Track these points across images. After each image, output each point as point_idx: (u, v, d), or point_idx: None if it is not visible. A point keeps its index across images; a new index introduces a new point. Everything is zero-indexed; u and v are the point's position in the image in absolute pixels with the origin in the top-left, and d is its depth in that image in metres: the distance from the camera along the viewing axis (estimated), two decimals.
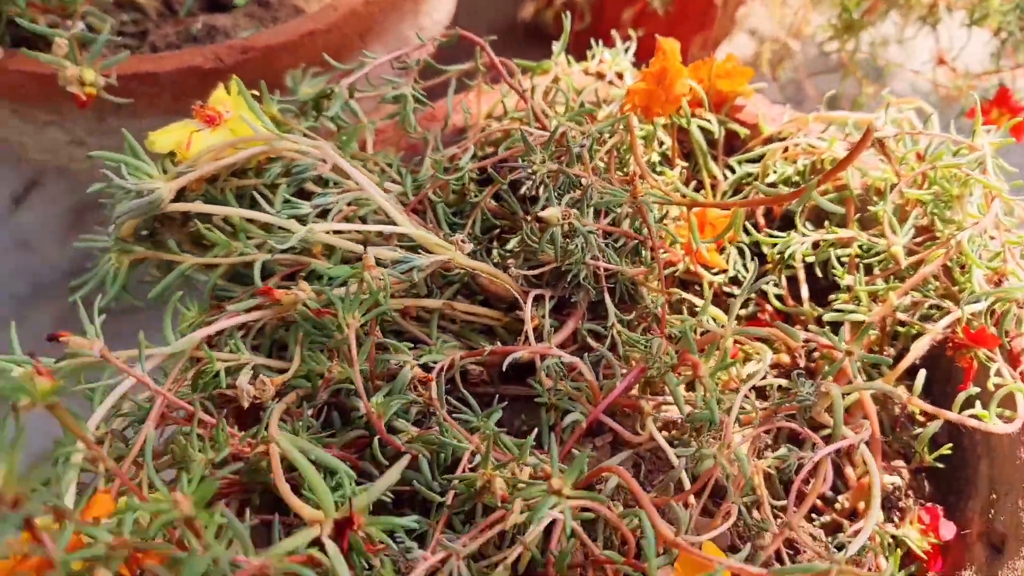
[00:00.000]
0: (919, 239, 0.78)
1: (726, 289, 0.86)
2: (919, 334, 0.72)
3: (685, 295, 0.79)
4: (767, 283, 0.84)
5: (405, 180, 0.76)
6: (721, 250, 0.83)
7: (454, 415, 0.65)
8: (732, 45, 1.58)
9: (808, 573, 0.55)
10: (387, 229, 0.65)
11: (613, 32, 0.91)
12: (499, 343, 0.77)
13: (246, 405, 0.58)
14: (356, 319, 0.57)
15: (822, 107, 0.86)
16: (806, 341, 0.69)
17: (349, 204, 0.69)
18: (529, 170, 0.71)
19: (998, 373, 0.70)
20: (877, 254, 0.75)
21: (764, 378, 0.75)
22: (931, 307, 0.73)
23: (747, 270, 0.84)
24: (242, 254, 0.67)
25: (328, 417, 0.64)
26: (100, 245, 0.74)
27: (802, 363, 0.78)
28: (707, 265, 0.82)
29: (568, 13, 0.84)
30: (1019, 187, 0.79)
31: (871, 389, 0.65)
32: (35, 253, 1.54)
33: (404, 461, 0.48)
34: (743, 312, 0.87)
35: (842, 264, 0.77)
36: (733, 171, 0.88)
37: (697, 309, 0.78)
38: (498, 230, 0.82)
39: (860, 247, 0.75)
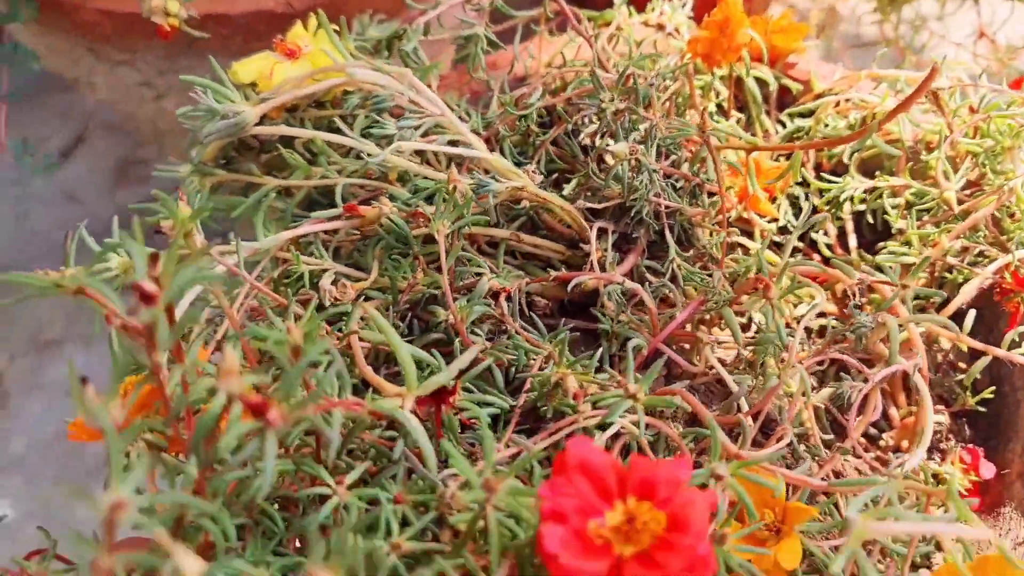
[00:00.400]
0: (969, 191, 0.81)
1: (776, 239, 0.88)
2: (967, 279, 0.75)
3: (740, 239, 0.82)
4: (817, 231, 0.87)
5: (474, 118, 0.79)
6: (772, 199, 0.86)
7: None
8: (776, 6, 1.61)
9: (865, 485, 0.58)
10: (466, 152, 0.67)
11: None
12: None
13: (327, 304, 0.61)
14: (446, 226, 0.60)
15: (874, 64, 0.89)
16: (859, 281, 0.71)
17: (427, 133, 0.71)
18: (599, 108, 0.73)
19: None
20: (929, 202, 0.78)
21: (819, 317, 0.78)
22: (979, 255, 0.76)
23: (798, 220, 0.87)
24: (323, 177, 0.70)
25: (408, 324, 0.68)
26: (180, 174, 0.78)
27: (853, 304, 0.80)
28: (760, 213, 0.85)
29: None
30: None
31: (924, 322, 0.67)
32: (82, 205, 1.58)
33: (479, 346, 0.51)
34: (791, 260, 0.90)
35: (894, 211, 0.80)
36: (785, 126, 0.91)
37: (751, 254, 0.81)
38: (557, 174, 0.85)
39: (912, 194, 0.78)
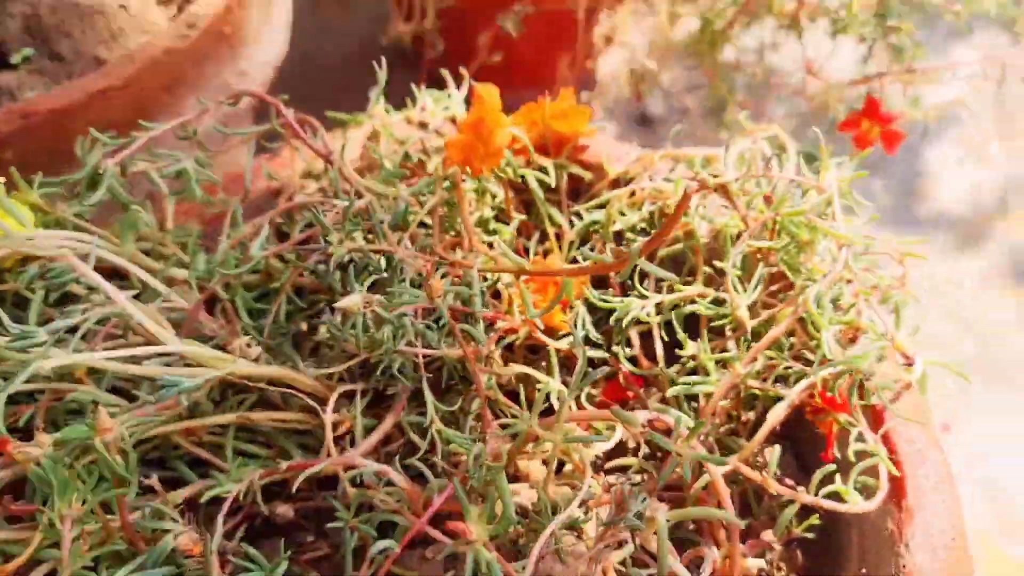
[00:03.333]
0: (774, 286, 0.72)
1: (575, 351, 0.78)
2: (776, 399, 0.66)
3: (527, 370, 0.71)
4: (618, 344, 0.77)
5: (196, 262, 0.67)
6: (568, 308, 0.76)
7: None
8: (606, 61, 1.52)
9: None
10: (138, 352, 0.55)
11: (444, 72, 0.83)
12: (319, 450, 0.68)
13: None
14: (74, 507, 0.48)
15: (668, 143, 0.80)
16: (644, 429, 0.61)
17: (101, 322, 0.59)
18: (326, 252, 0.62)
19: (860, 438, 0.64)
20: (725, 318, 0.68)
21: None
22: (787, 367, 0.67)
23: (597, 328, 0.77)
24: None
25: None
26: None
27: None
28: (553, 327, 0.75)
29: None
30: (877, 219, 0.74)
31: (727, 464, 0.58)
32: None
33: None
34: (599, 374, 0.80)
35: (691, 324, 0.70)
36: (580, 218, 0.81)
37: (539, 387, 0.71)
38: (309, 308, 0.74)
39: (711, 302, 0.68)
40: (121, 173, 0.67)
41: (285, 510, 0.63)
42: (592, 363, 0.81)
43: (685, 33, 1.12)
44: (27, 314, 0.61)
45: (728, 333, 0.69)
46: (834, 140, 0.78)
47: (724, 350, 0.67)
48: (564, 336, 0.77)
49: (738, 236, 0.73)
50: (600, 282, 0.80)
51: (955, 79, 1.05)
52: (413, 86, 0.79)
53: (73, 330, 0.56)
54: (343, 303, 0.59)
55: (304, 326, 0.70)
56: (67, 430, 0.52)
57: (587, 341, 0.78)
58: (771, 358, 0.67)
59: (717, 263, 0.70)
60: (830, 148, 0.71)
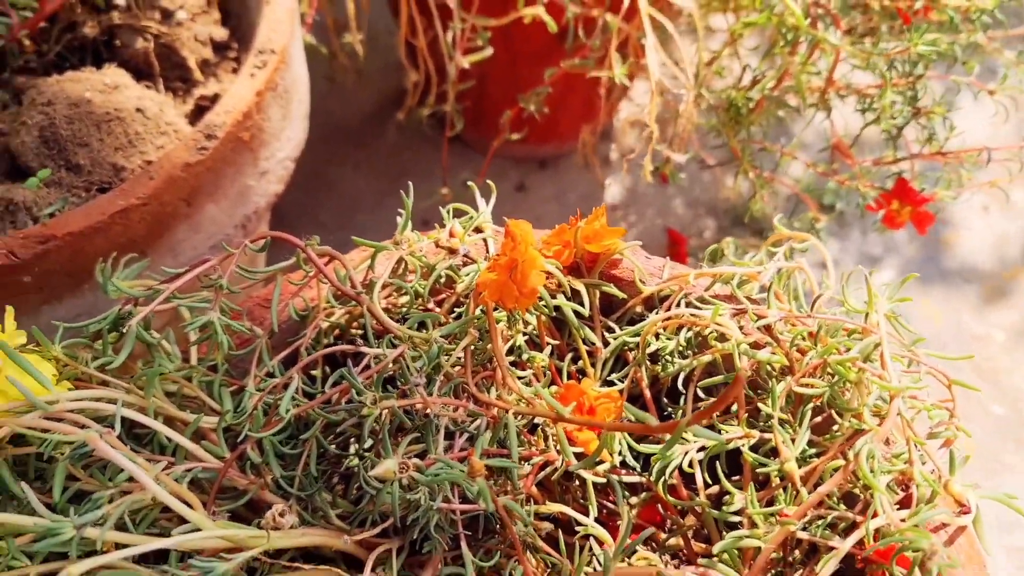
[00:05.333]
0: (817, 418, 0.70)
1: (611, 477, 0.76)
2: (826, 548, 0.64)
3: (566, 510, 0.69)
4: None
5: (224, 411, 0.65)
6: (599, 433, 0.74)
7: None
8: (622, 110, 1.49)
9: None
10: (172, 542, 0.53)
11: (472, 185, 0.81)
12: None
13: None
14: None
15: (704, 263, 0.77)
16: None
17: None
18: (359, 414, 0.60)
19: None
20: (772, 451, 0.66)
21: None
22: (836, 517, 0.65)
23: (635, 456, 0.75)
24: (10, 566, 0.55)
25: None
26: None
27: None
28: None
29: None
30: (922, 342, 0.71)
31: None
32: None
33: None
34: (636, 500, 0.78)
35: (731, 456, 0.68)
36: (614, 335, 0.79)
37: (580, 529, 0.69)
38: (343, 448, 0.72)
39: (745, 452, 0.66)
40: (145, 328, 0.65)
41: None
42: (633, 487, 0.79)
43: (710, 114, 1.10)
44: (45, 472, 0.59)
45: (773, 478, 0.66)
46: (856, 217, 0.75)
47: (771, 501, 0.65)
48: (600, 463, 0.75)
49: (781, 371, 0.71)
50: (635, 399, 0.78)
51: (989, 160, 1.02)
52: (442, 210, 0.77)
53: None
54: (378, 471, 0.57)
55: (340, 468, 0.68)
56: None
57: (623, 465, 0.76)
58: (818, 512, 0.65)
59: (761, 406, 0.68)
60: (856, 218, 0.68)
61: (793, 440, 0.64)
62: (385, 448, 0.59)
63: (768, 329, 0.67)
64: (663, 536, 0.77)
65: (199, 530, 0.54)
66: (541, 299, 0.72)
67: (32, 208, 0.85)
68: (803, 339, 0.69)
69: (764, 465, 0.65)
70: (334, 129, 1.78)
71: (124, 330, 0.64)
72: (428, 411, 0.63)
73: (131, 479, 0.57)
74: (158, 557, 0.63)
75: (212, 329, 0.64)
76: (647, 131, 1.05)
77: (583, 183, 1.71)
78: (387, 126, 1.75)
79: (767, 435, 0.67)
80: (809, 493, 0.63)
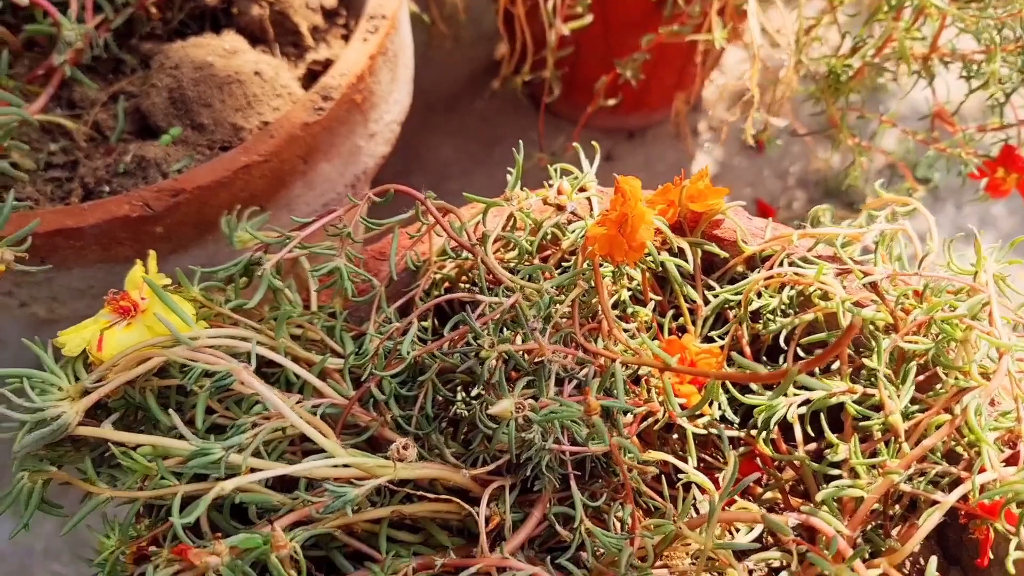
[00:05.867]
0: (921, 376, 0.70)
1: (713, 430, 0.78)
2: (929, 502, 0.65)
3: (668, 458, 0.72)
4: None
5: (347, 354, 0.69)
6: (702, 388, 0.76)
7: None
8: (723, 77, 1.49)
9: None
10: (310, 467, 0.57)
11: (576, 145, 0.83)
12: (466, 533, 0.70)
13: None
14: None
15: (807, 223, 0.78)
16: (796, 539, 0.61)
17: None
18: (478, 356, 0.63)
19: (1020, 547, 0.62)
20: (875, 407, 0.67)
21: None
22: (940, 472, 0.66)
23: (734, 411, 0.77)
24: (159, 486, 0.60)
25: None
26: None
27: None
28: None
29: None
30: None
31: None
32: None
33: None
34: (734, 454, 0.79)
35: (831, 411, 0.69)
36: (715, 294, 0.81)
37: (681, 476, 0.71)
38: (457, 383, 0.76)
39: (850, 405, 0.67)
40: (276, 272, 0.69)
41: None
42: (731, 441, 0.80)
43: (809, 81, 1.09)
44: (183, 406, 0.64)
45: (876, 432, 0.67)
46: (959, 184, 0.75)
47: (873, 452, 0.66)
48: (700, 416, 0.77)
49: (885, 329, 0.71)
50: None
51: None
52: (550, 169, 0.79)
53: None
54: (496, 410, 0.60)
55: (449, 413, 0.71)
56: (243, 539, 0.54)
57: (722, 419, 0.78)
58: (921, 466, 0.66)
59: (865, 361, 0.69)
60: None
61: (897, 396, 0.65)
62: (501, 389, 0.63)
63: (874, 286, 0.68)
64: (759, 490, 0.79)
65: (331, 457, 0.58)
66: (648, 254, 0.74)
67: (162, 164, 0.90)
68: (907, 298, 0.69)
69: (868, 418, 0.66)
70: (427, 97, 1.81)
71: (259, 273, 0.68)
72: (541, 357, 0.66)
73: (264, 412, 0.61)
74: (286, 487, 0.67)
75: (338, 274, 0.68)
76: (746, 96, 1.05)
77: (671, 153, 1.71)
78: (478, 95, 1.78)
79: (870, 391, 0.68)
80: (912, 448, 0.64)
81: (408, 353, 0.65)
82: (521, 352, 0.66)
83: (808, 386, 0.59)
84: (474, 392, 0.76)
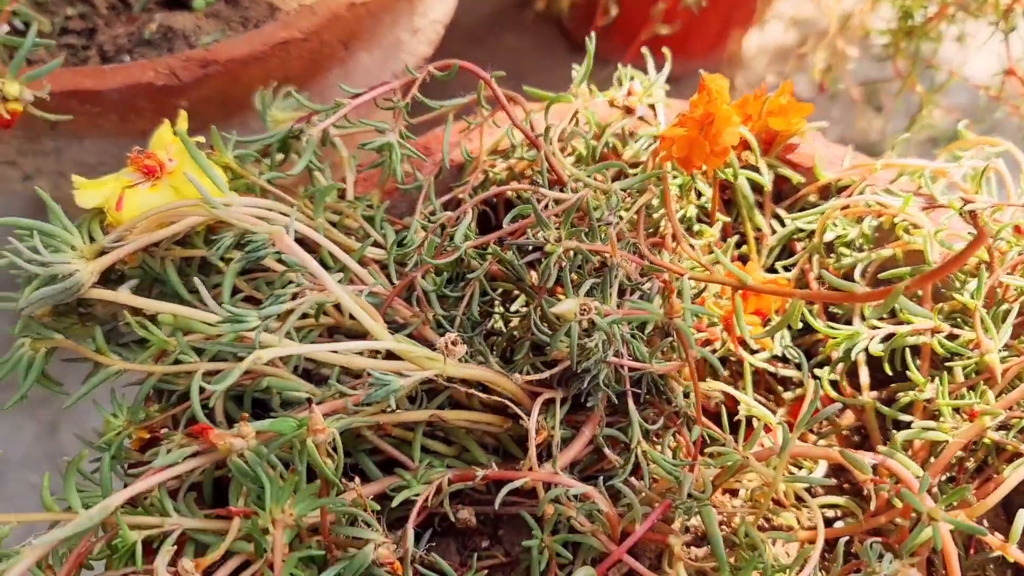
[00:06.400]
0: (1018, 319, 0.65)
1: (770, 368, 0.72)
2: (1015, 455, 0.59)
3: (731, 390, 0.66)
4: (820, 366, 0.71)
5: (389, 243, 0.63)
6: (766, 322, 0.70)
7: None
8: (763, 33, 1.42)
9: None
10: (355, 346, 0.51)
11: (644, 50, 0.76)
12: (501, 452, 0.64)
13: None
14: (287, 513, 0.44)
15: (892, 152, 0.72)
16: (874, 478, 0.56)
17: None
18: (542, 249, 0.57)
19: None
20: (966, 360, 0.61)
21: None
22: None
23: (795, 350, 0.71)
24: (177, 360, 0.54)
25: None
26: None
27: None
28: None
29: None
30: None
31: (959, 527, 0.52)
32: None
33: None
34: (789, 395, 0.74)
35: (916, 359, 0.64)
36: (782, 222, 0.75)
37: (742, 409, 0.65)
38: (501, 296, 0.70)
39: (940, 341, 0.62)
40: (322, 143, 0.62)
41: (468, 515, 0.60)
42: (785, 382, 0.75)
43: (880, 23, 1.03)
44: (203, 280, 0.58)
45: (959, 374, 0.62)
46: None
47: (958, 395, 0.60)
48: (758, 352, 0.71)
49: (976, 268, 0.66)
50: None
51: None
52: (619, 66, 0.73)
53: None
54: (560, 308, 0.54)
55: (496, 319, 0.65)
56: (276, 423, 0.48)
57: (782, 358, 0.73)
58: (1011, 414, 0.60)
59: (955, 293, 0.63)
60: None
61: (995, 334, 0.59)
62: (567, 288, 0.56)
63: (973, 216, 0.62)
64: (812, 438, 0.73)
65: (375, 342, 0.52)
66: (727, 166, 0.68)
67: (190, 36, 0.83)
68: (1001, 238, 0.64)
69: (955, 358, 0.60)
70: (453, 28, 1.73)
71: (304, 140, 0.61)
72: (609, 259, 0.59)
73: (294, 294, 0.55)
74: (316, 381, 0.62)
75: (388, 153, 0.61)
76: (803, 39, 0.99)
77: None
78: (508, 29, 1.70)
79: (957, 331, 0.63)
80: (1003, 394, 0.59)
81: (462, 242, 0.59)
82: (580, 258, 0.59)
83: (910, 312, 0.53)
84: (513, 308, 0.70)
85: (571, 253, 0.58)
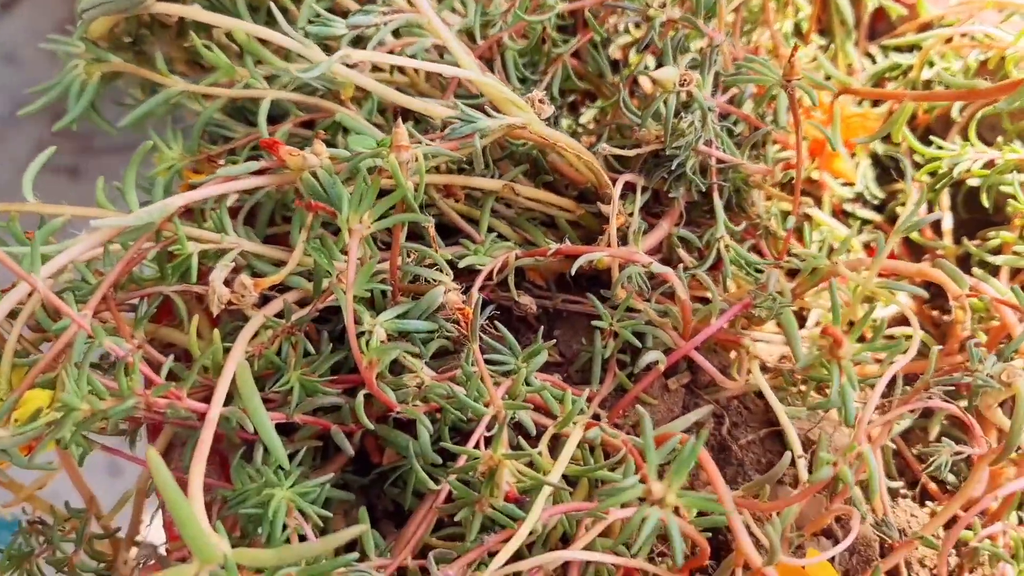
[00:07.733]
0: None
1: (846, 207, 0.69)
2: None
3: (816, 212, 0.63)
4: (899, 204, 0.68)
5: (470, 11, 0.58)
6: (853, 153, 0.67)
7: (486, 356, 0.49)
8: None
9: None
10: (446, 70, 0.47)
11: None
12: (565, 241, 0.61)
13: (215, 311, 0.43)
14: (365, 223, 0.41)
15: None
16: (971, 292, 0.52)
17: (397, 33, 0.51)
18: (643, 12, 0.53)
19: None
20: None
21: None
22: None
23: (879, 186, 0.68)
24: (247, 85, 0.50)
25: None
26: (72, 50, 0.57)
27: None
28: (834, 174, 0.65)
29: None
30: None
31: None
32: (20, 68, 1.36)
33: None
34: (861, 239, 0.70)
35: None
36: (875, 61, 0.70)
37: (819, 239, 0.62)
38: (576, 97, 0.66)
39: None
40: None
41: (529, 302, 0.56)
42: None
43: None
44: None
45: None
46: None
47: None
48: (843, 185, 0.68)
49: None
50: None
51: None
52: None
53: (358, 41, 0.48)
54: (661, 73, 0.51)
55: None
56: (355, 139, 0.44)
57: (859, 199, 0.69)
58: None
59: None
60: None
61: None
62: (666, 55, 0.52)
63: None
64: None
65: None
66: None
67: None
68: None
69: None
70: None
71: None
72: (703, 49, 0.55)
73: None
74: None
75: None
76: None
77: None
78: None
79: None
80: None
81: (555, 2, 0.54)
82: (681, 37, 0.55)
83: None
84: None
85: (673, 28, 0.54)
